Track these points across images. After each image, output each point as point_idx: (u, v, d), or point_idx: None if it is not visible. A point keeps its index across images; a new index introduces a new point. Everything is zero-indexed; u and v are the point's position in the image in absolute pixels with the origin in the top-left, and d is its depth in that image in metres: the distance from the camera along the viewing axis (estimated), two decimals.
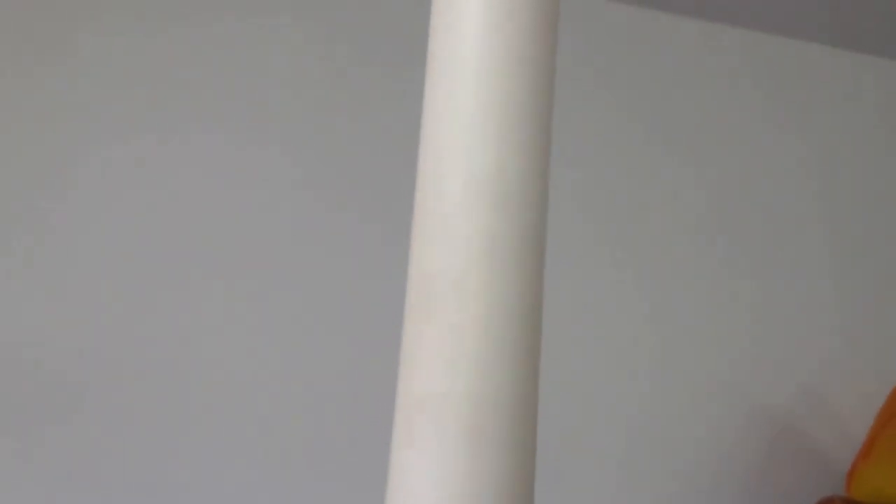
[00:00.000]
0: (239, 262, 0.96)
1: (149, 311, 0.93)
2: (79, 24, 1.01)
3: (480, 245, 0.22)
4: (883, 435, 0.88)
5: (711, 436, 0.97)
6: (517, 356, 0.21)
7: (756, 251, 1.06)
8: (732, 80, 1.14)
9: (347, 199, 1.00)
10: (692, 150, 1.11)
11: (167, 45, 1.01)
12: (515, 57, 0.22)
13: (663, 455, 0.96)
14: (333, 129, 1.03)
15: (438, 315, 0.22)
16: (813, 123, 1.13)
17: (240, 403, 0.92)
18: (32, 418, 0.88)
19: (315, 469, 0.91)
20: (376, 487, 0.93)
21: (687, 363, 1.00)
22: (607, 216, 1.05)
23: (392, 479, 0.22)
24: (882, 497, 0.84)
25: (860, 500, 0.86)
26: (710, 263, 1.05)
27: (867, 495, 0.86)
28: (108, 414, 0.89)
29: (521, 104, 0.22)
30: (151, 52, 1.00)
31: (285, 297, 0.96)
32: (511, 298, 0.22)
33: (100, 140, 0.96)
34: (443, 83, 0.23)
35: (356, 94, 1.05)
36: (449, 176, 0.22)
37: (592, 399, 0.97)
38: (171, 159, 0.97)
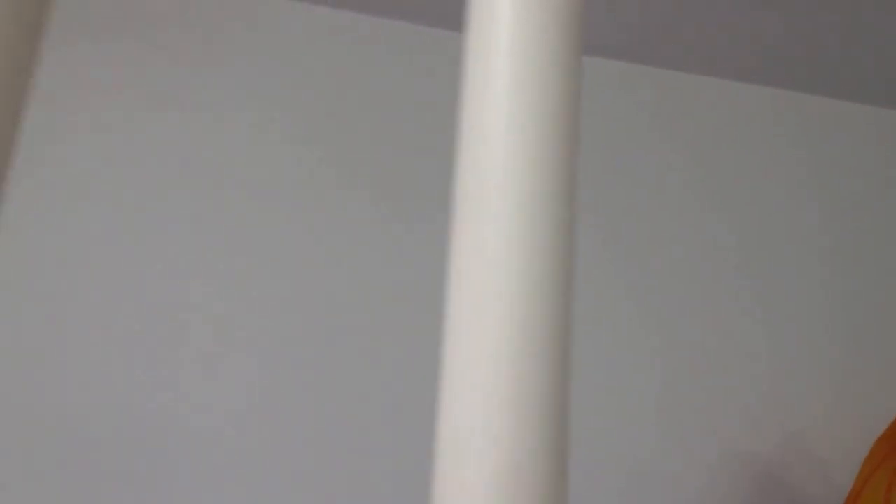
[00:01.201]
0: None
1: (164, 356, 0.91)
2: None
3: None
4: (869, 485, 0.88)
5: (704, 484, 0.97)
6: None
7: (754, 310, 1.06)
8: (755, 135, 1.13)
9: (374, 217, 0.99)
10: (709, 215, 1.10)
11: (192, 47, 0.99)
12: (529, 336, 0.21)
13: (660, 500, 0.97)
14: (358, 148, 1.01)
15: None
16: (830, 180, 1.13)
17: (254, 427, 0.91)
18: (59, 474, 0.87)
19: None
20: None
21: (682, 415, 1.00)
22: (619, 270, 1.04)
23: None
24: None
25: None
26: (709, 322, 1.05)
27: None
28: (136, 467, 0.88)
29: (539, 386, 0.22)
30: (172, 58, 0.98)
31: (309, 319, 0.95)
32: None
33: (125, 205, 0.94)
34: (460, 357, 0.22)
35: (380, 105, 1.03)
36: (468, 467, 0.22)
37: (592, 450, 0.97)
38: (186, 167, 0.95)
